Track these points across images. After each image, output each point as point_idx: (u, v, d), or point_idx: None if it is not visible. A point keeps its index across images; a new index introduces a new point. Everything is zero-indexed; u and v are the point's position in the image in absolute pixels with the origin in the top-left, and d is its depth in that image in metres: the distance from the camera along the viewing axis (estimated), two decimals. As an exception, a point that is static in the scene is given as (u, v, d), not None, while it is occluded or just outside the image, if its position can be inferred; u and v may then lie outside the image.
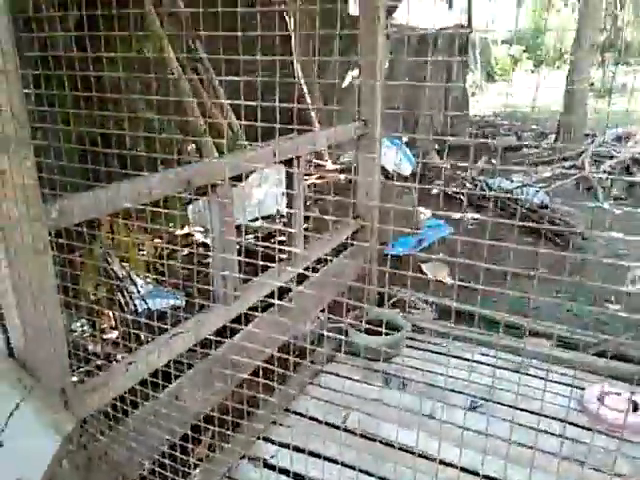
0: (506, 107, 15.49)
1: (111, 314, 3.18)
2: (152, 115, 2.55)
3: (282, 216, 5.53)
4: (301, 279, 2.62)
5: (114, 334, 3.32)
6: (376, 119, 3.04)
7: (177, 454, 1.71)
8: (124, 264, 3.70)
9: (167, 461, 1.71)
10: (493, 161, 7.85)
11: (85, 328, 3.63)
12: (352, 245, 3.28)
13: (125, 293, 3.22)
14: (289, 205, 2.44)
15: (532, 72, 22.92)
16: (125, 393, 1.60)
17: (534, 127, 10.96)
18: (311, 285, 2.76)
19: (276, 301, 1.94)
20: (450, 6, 12.52)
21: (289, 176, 2.40)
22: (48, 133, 1.83)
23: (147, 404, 1.66)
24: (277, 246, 1.78)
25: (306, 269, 2.81)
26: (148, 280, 4.07)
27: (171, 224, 1.56)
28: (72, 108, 1.85)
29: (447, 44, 10.23)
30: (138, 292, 3.36)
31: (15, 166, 1.16)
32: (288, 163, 2.39)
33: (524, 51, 24.33)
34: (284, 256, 2.59)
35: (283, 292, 2.47)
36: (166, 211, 1.64)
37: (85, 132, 1.92)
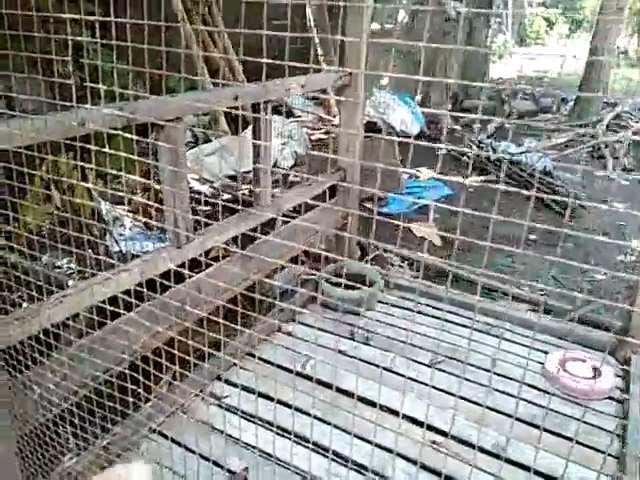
0: (534, 71, 15.14)
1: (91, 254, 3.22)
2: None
3: (279, 167, 5.51)
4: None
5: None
6: (360, 73, 2.96)
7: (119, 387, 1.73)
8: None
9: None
10: (506, 125, 7.66)
11: (72, 265, 3.72)
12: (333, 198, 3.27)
13: (102, 235, 3.25)
14: (256, 153, 2.41)
15: (567, 37, 22.11)
16: (59, 326, 1.63)
17: (557, 93, 10.65)
18: (279, 234, 2.76)
19: (240, 250, 1.93)
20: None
21: (256, 122, 2.36)
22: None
23: (86, 338, 1.69)
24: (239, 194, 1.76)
25: (283, 218, 2.80)
26: (136, 223, 4.13)
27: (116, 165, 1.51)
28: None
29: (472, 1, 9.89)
30: (114, 235, 3.39)
31: None
32: (256, 108, 2.36)
33: (561, 14, 23.42)
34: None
35: (253, 240, 2.45)
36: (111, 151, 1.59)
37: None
